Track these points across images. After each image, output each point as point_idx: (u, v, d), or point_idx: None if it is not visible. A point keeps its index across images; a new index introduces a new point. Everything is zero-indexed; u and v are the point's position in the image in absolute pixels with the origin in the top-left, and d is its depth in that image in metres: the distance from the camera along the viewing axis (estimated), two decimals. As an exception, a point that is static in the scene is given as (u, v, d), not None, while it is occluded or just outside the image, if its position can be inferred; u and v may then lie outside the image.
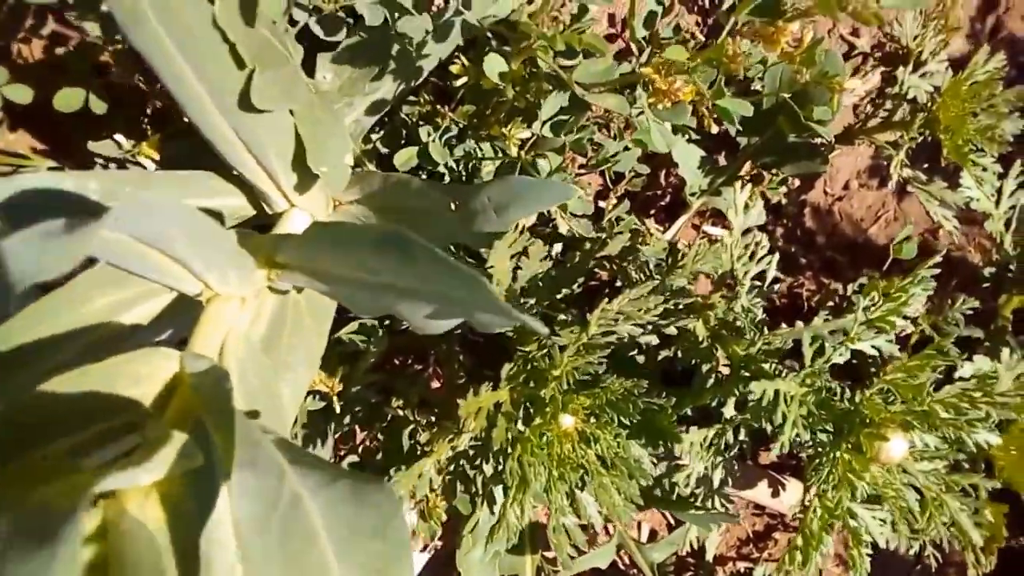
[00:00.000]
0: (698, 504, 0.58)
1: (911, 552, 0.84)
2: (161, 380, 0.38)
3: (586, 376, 0.50)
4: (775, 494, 0.79)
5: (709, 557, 0.81)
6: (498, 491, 0.59)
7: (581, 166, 0.72)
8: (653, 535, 0.84)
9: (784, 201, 0.91)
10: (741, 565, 0.84)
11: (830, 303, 0.77)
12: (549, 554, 0.80)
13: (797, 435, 0.49)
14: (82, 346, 0.45)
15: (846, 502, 0.49)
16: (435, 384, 0.80)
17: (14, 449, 0.33)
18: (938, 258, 0.50)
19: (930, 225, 0.94)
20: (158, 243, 0.38)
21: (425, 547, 0.84)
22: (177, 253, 0.39)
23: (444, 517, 0.68)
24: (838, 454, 0.49)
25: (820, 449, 0.51)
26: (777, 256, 0.57)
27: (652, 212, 0.86)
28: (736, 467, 0.73)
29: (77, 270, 0.47)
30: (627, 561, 0.84)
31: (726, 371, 0.65)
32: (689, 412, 0.57)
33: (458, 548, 0.69)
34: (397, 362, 0.79)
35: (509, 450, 0.48)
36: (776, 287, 0.88)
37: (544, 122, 0.57)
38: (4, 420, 0.33)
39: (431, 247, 0.36)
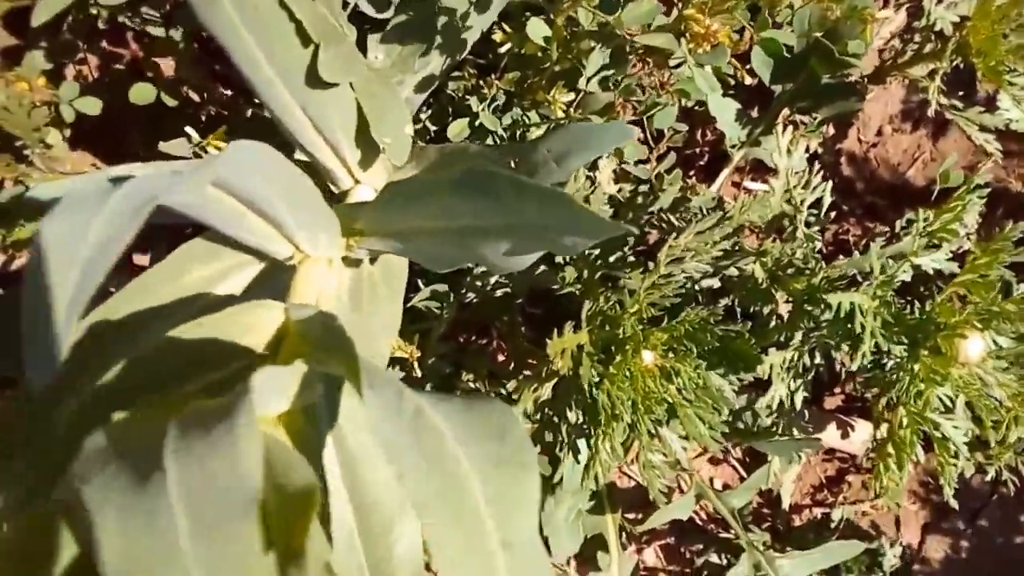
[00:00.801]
0: (779, 434, 0.59)
1: (987, 480, 0.84)
2: (269, 330, 0.40)
3: (660, 313, 0.52)
4: (844, 435, 0.80)
5: (785, 505, 0.82)
6: (581, 444, 0.60)
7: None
8: (727, 488, 0.85)
9: (820, 151, 0.92)
10: (817, 511, 0.85)
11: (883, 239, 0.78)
12: (628, 515, 0.81)
13: (875, 346, 0.50)
14: (181, 317, 0.47)
15: (934, 403, 0.50)
16: (500, 359, 0.81)
17: (145, 391, 0.35)
18: (987, 167, 0.52)
19: (966, 162, 0.95)
20: (256, 198, 0.40)
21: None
22: (273, 210, 0.41)
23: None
24: (917, 365, 0.50)
25: (895, 364, 0.52)
26: (830, 184, 0.58)
27: (692, 172, 0.88)
28: (805, 414, 0.74)
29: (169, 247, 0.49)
30: (704, 516, 0.85)
31: (786, 313, 0.67)
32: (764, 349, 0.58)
33: (541, 510, 0.71)
34: (462, 340, 0.80)
35: (596, 389, 0.50)
36: (823, 228, 0.90)
37: (589, 78, 0.59)
38: (131, 364, 0.35)
39: (513, 175, 0.38)
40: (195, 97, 0.75)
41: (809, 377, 0.55)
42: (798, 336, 0.57)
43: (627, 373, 0.51)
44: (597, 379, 0.50)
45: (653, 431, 0.51)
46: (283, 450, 0.31)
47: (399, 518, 0.44)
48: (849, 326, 0.50)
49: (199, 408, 0.27)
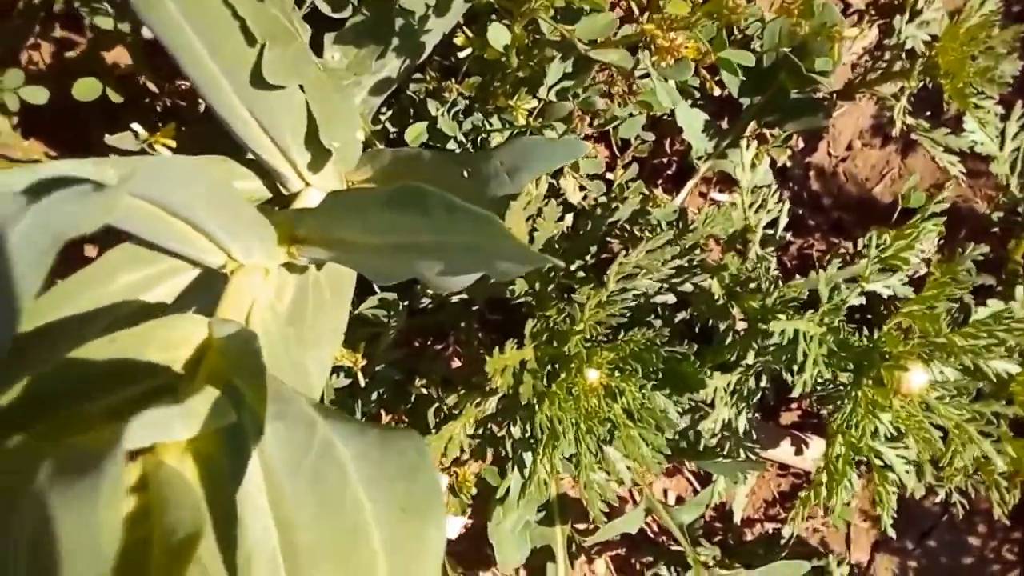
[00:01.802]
0: (724, 454, 0.59)
1: (937, 502, 0.84)
2: (191, 345, 0.39)
3: (608, 331, 0.51)
4: (798, 452, 0.80)
5: (737, 519, 0.82)
6: (527, 457, 0.59)
7: (587, 136, 0.73)
8: (680, 501, 0.85)
9: (789, 164, 0.92)
10: (769, 526, 0.85)
11: (840, 259, 0.78)
12: (579, 525, 0.81)
13: (819, 374, 0.49)
14: (105, 324, 0.45)
15: (869, 435, 0.49)
16: (455, 364, 0.80)
17: (47, 410, 0.34)
18: (947, 192, 0.51)
19: (934, 180, 0.94)
20: (182, 211, 0.38)
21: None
22: (200, 222, 0.40)
23: (474, 491, 0.68)
24: (859, 391, 0.49)
25: (841, 388, 0.51)
26: (788, 204, 0.57)
27: (659, 182, 0.87)
28: (759, 428, 0.73)
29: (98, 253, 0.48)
30: (655, 529, 0.85)
31: (743, 329, 0.66)
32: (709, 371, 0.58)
33: (489, 520, 0.70)
34: (417, 344, 0.79)
35: (537, 407, 0.49)
36: (788, 241, 0.89)
37: (550, 87, 0.57)
38: (35, 382, 0.34)
39: (444, 194, 0.37)
40: (152, 88, 0.73)
41: (755, 400, 0.55)
42: (750, 356, 0.56)
43: (570, 392, 0.50)
44: (538, 399, 0.49)
45: (595, 451, 0.50)
46: (176, 491, 0.29)
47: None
48: (794, 352, 0.49)
49: (75, 448, 0.26)
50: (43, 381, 0.34)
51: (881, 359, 0.49)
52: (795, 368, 0.50)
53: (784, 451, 0.79)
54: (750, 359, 0.54)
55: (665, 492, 0.85)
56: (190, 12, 0.45)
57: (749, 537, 0.84)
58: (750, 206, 0.54)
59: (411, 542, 0.30)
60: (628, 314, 0.52)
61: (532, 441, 0.56)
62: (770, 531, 0.83)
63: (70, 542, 0.21)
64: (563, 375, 0.50)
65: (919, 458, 0.51)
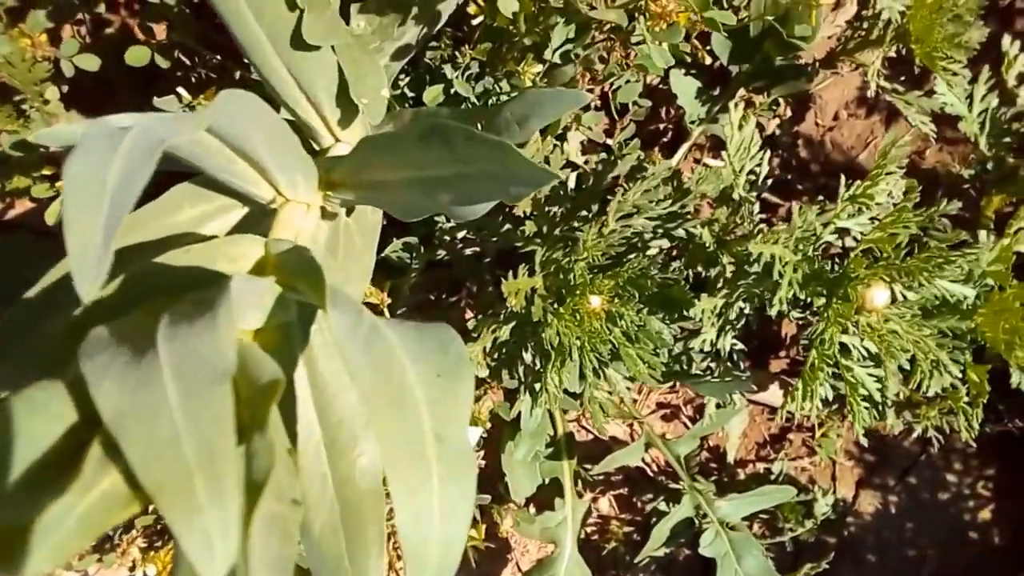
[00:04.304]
0: (714, 377, 0.65)
1: (915, 440, 0.90)
2: (250, 260, 0.45)
3: (608, 262, 0.57)
4: (786, 395, 0.86)
5: (731, 459, 0.88)
6: (537, 387, 0.66)
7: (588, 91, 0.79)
8: (677, 442, 0.91)
9: (778, 133, 0.98)
10: (760, 466, 0.91)
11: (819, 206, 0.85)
12: (585, 465, 0.87)
13: (793, 295, 0.55)
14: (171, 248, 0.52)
15: (837, 345, 0.56)
16: (468, 315, 0.87)
17: (138, 302, 0.40)
18: (907, 139, 0.57)
19: (917, 148, 1.01)
20: (242, 143, 0.45)
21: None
22: (256, 155, 0.46)
23: (488, 424, 0.75)
24: (830, 310, 0.56)
25: (816, 311, 0.58)
26: (774, 160, 0.64)
27: (656, 148, 0.93)
28: (748, 374, 0.80)
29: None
30: (655, 468, 0.91)
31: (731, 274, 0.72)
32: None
33: (502, 453, 0.77)
34: (432, 297, 0.86)
35: (547, 326, 0.55)
36: (776, 204, 0.95)
37: (555, 50, 0.64)
38: (128, 279, 0.41)
39: (465, 127, 0.43)
40: (185, 60, 0.79)
41: (740, 324, 0.61)
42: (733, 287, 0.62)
43: (576, 316, 0.56)
44: (547, 319, 0.55)
45: (598, 369, 0.57)
46: (255, 352, 0.36)
47: (363, 436, 0.50)
48: (772, 279, 0.56)
49: (186, 304, 0.33)
50: (134, 279, 0.41)
51: (849, 282, 0.55)
52: (772, 293, 0.56)
53: (773, 394, 0.86)
54: (732, 287, 0.61)
55: (664, 436, 0.92)
56: (239, -21, 0.52)
57: (742, 476, 0.90)
58: (735, 152, 0.61)
59: (447, 397, 0.36)
60: (624, 247, 0.58)
61: (541, 368, 0.63)
62: (761, 470, 0.90)
63: (202, 354, 0.28)
64: (569, 300, 0.56)
65: (891, 379, 0.57)
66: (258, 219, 0.56)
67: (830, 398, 0.59)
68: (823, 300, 0.56)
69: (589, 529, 0.90)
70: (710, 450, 0.90)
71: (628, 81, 0.76)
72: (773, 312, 0.56)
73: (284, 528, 0.32)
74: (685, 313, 0.58)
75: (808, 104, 1.00)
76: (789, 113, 0.99)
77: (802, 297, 0.56)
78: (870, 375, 0.58)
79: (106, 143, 0.35)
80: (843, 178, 0.58)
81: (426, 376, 0.38)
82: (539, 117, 0.56)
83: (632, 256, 0.57)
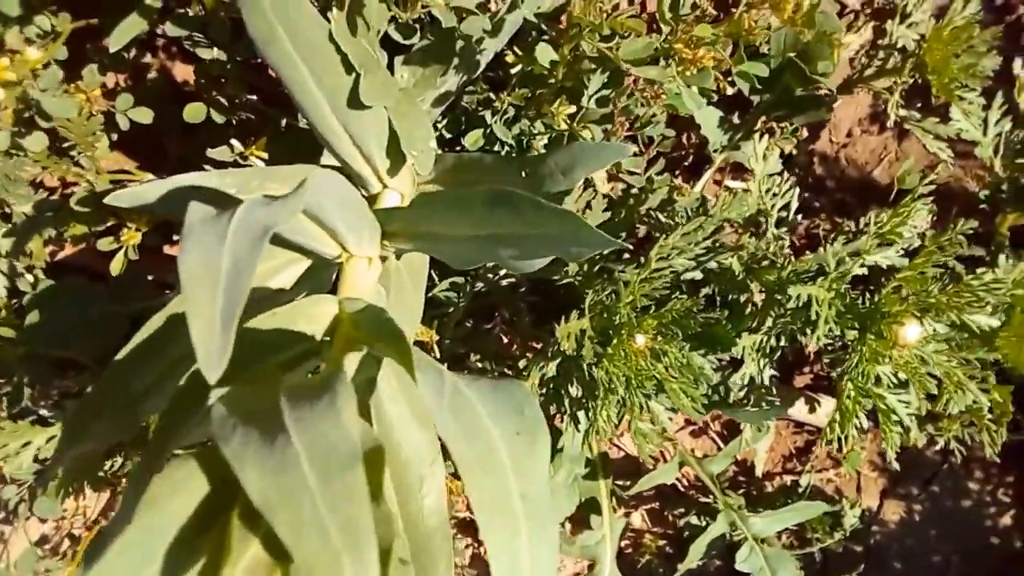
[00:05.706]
0: (751, 406, 0.69)
1: (938, 450, 0.94)
2: (327, 318, 0.49)
3: (650, 302, 0.60)
4: (812, 410, 0.89)
5: (759, 473, 0.91)
6: (581, 415, 0.69)
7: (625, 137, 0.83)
8: (706, 457, 0.94)
9: (795, 152, 1.01)
10: (787, 479, 0.94)
11: (845, 236, 0.88)
12: (619, 482, 0.91)
13: (829, 330, 0.59)
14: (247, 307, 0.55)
15: (872, 380, 0.59)
16: (503, 340, 0.90)
17: (238, 364, 0.43)
18: (934, 176, 0.60)
19: (928, 162, 1.04)
20: (318, 211, 0.48)
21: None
22: (331, 221, 0.49)
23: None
24: (864, 345, 0.59)
25: (848, 346, 0.61)
26: (798, 190, 0.67)
27: (678, 172, 0.96)
28: (776, 390, 0.83)
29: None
30: (685, 484, 0.94)
31: (760, 300, 0.75)
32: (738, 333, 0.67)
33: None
34: (469, 324, 0.89)
35: (596, 366, 0.58)
36: (796, 222, 0.98)
37: (590, 97, 0.67)
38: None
39: (534, 197, 0.46)
40: (224, 102, 0.82)
41: (776, 357, 0.64)
42: (769, 321, 0.66)
43: (622, 353, 0.59)
44: (596, 359, 0.59)
45: (643, 404, 0.60)
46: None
47: (428, 475, 0.53)
48: (808, 314, 0.59)
49: (301, 383, 0.36)
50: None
51: (882, 318, 0.58)
52: (809, 329, 0.60)
53: (799, 410, 0.89)
54: (770, 323, 0.64)
55: (693, 451, 0.95)
56: (300, 46, 0.55)
57: (770, 489, 0.93)
58: (765, 192, 0.64)
59: (528, 456, 0.40)
60: (666, 288, 0.61)
61: (585, 399, 0.66)
62: (788, 483, 0.93)
63: (330, 437, 0.31)
64: (615, 340, 0.59)
65: (917, 399, 0.60)
66: (319, 271, 0.59)
67: (866, 427, 0.62)
68: (855, 332, 0.59)
69: (624, 543, 0.93)
70: (738, 464, 0.93)
71: (655, 115, 0.79)
72: (811, 347, 0.59)
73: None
74: (725, 350, 0.61)
75: (822, 123, 1.03)
76: (805, 133, 1.02)
77: (838, 333, 0.59)
78: (900, 401, 0.61)
79: (213, 233, 0.38)
80: (872, 216, 0.61)
81: (507, 436, 0.41)
82: (584, 167, 0.59)
83: (674, 296, 0.60)
